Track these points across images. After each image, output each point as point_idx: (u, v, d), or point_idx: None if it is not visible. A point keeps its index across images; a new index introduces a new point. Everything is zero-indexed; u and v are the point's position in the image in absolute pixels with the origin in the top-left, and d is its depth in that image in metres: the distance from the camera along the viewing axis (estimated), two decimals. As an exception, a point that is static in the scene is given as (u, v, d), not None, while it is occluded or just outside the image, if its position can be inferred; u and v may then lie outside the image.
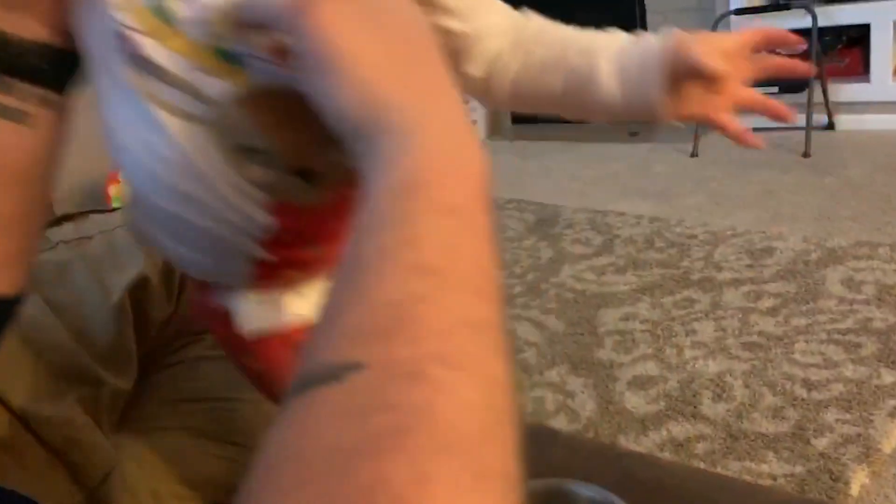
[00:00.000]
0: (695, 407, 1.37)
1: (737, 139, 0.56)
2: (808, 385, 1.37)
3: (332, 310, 0.30)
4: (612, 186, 2.77)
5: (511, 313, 1.86)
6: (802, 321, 1.59)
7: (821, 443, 1.21)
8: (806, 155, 2.73)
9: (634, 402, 1.42)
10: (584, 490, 0.42)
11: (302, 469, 0.25)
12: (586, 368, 1.56)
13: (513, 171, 3.20)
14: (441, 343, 0.28)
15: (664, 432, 1.31)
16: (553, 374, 1.56)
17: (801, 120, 2.79)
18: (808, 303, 1.66)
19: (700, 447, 1.26)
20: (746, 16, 2.99)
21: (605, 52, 0.55)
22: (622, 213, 2.43)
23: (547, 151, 3.42)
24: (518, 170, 3.21)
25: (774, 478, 1.16)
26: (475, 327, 0.29)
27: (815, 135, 2.79)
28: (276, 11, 0.38)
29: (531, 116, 3.96)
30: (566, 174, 3.03)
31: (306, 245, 0.48)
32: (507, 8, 0.59)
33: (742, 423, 1.30)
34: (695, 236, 2.15)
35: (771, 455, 1.21)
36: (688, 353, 1.55)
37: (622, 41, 0.56)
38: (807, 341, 1.51)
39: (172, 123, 0.42)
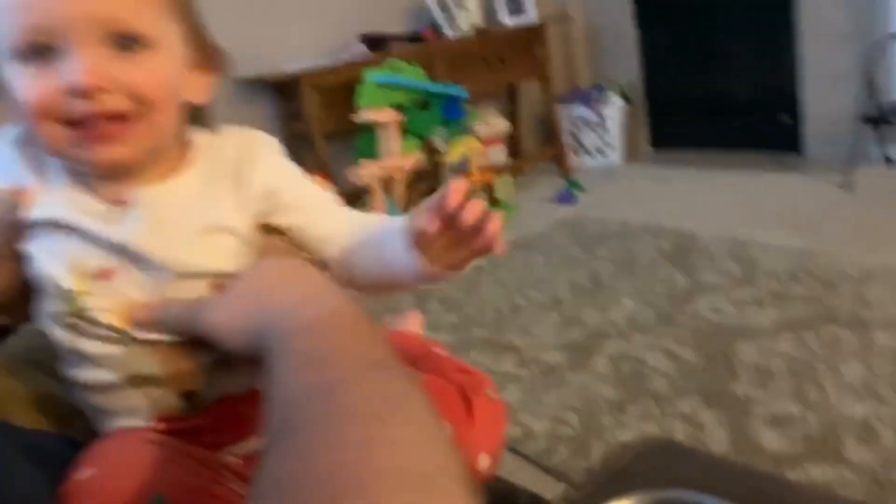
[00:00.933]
0: (837, 450, 1.30)
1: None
2: (970, 437, 1.27)
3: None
4: (755, 216, 2.67)
5: (642, 342, 1.83)
6: (965, 368, 1.47)
7: (981, 500, 1.12)
8: (977, 190, 2.52)
9: (770, 439, 1.36)
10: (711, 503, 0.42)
11: None
12: (720, 402, 1.51)
13: (650, 197, 3.14)
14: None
15: (802, 474, 1.25)
16: (685, 406, 1.52)
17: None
18: (972, 349, 1.53)
19: (842, 493, 1.19)
20: (912, 41, 2.80)
21: (393, 235, 0.65)
22: (765, 245, 2.34)
23: (686, 178, 3.33)
24: (655, 195, 3.15)
25: (925, 533, 1.08)
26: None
27: None
28: (183, 319, 0.59)
29: (671, 141, 3.88)
30: (706, 202, 2.94)
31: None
32: (345, 213, 0.74)
33: (891, 472, 1.22)
34: (844, 272, 2.03)
35: (922, 508, 1.13)
36: (831, 394, 1.47)
37: (397, 223, 0.66)
38: (969, 390, 1.40)
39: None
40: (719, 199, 2.94)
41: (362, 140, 2.81)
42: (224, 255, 0.64)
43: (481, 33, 3.29)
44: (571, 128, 3.83)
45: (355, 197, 2.95)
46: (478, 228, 0.60)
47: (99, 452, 0.58)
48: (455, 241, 0.61)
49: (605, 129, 3.77)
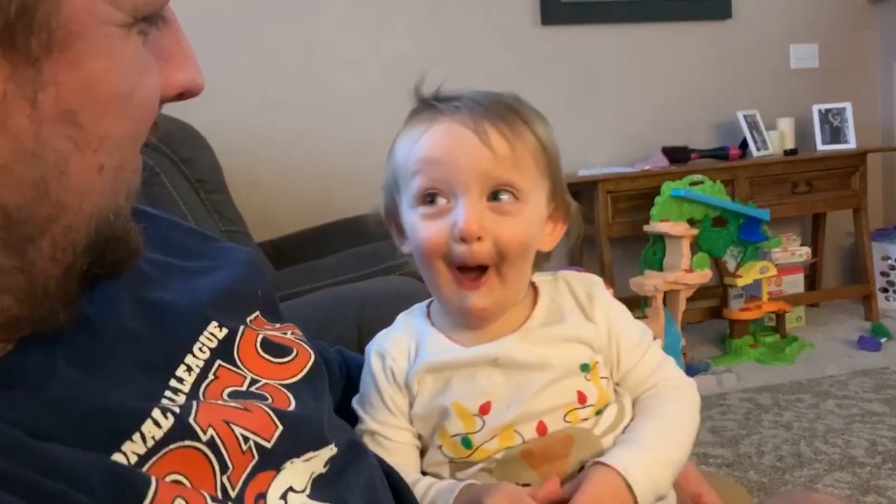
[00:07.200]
0: None
1: None
2: None
3: None
4: None
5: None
6: None
7: None
8: None
9: None
10: None
11: None
12: None
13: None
14: None
15: None
16: None
17: None
18: None
19: None
20: None
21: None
22: None
23: None
24: None
25: None
26: None
27: None
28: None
29: None
30: None
31: None
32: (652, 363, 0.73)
33: None
34: None
35: None
36: None
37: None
38: None
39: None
40: None
41: (650, 249, 2.77)
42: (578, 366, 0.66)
43: (791, 155, 3.13)
44: (885, 267, 3.44)
45: (633, 305, 2.90)
46: None
47: None
48: None
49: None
